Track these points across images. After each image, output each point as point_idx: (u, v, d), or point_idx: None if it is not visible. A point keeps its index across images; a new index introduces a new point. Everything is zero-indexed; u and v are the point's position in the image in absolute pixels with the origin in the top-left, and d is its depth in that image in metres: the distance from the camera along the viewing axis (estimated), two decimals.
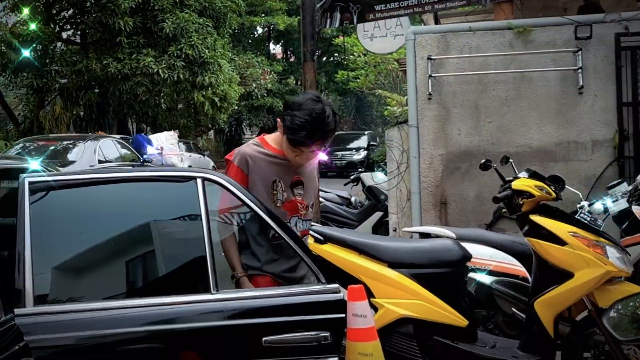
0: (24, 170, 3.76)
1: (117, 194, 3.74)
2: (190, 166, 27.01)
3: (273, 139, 4.13)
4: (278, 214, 3.85)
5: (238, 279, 3.93)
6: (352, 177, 11.24)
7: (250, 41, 42.04)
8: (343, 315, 3.51)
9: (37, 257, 3.25)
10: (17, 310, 3.11)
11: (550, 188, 4.94)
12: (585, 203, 5.58)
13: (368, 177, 10.59)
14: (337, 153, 28.99)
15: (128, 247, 3.69)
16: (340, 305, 3.53)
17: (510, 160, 5.55)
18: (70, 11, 27.53)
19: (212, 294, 3.36)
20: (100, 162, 15.53)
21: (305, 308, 3.48)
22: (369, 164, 11.42)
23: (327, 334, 3.42)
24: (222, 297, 3.39)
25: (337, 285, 3.60)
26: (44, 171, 3.94)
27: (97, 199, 3.69)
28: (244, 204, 3.60)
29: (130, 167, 4.39)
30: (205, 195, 3.49)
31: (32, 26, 25.15)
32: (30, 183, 3.41)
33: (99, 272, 3.67)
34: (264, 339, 3.33)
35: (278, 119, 4.07)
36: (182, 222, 3.74)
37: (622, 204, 5.70)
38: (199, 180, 3.52)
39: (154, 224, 3.63)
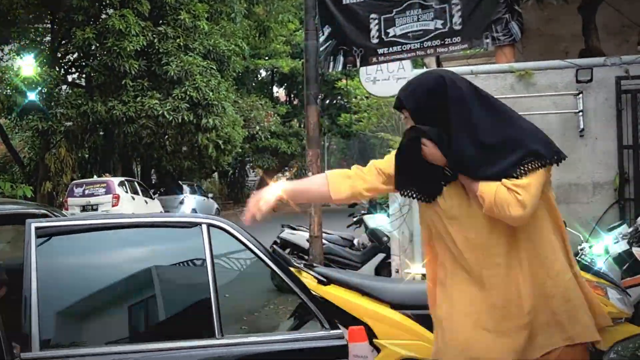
0: (30, 215, 3.68)
1: (122, 239, 3.71)
2: (194, 210, 26.93)
3: None
4: None
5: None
6: (354, 219, 11.15)
7: (254, 84, 41.54)
8: None
9: (43, 302, 3.20)
10: (23, 355, 3.07)
11: None
12: (586, 245, 5.60)
13: (371, 219, 10.51)
14: None
15: (132, 292, 3.67)
16: (344, 350, 3.49)
17: None
18: (76, 54, 27.87)
19: (217, 339, 3.32)
20: None
21: (309, 353, 3.46)
22: (372, 205, 11.34)
23: None
24: (227, 342, 3.34)
25: (340, 330, 3.57)
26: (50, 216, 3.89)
27: (102, 244, 3.68)
28: (248, 248, 3.58)
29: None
30: (210, 241, 3.46)
31: (37, 69, 25.38)
32: (37, 228, 3.35)
33: (101, 317, 3.64)
34: None
35: None
36: (187, 267, 3.71)
37: (623, 246, 5.64)
38: (204, 227, 3.50)
39: (155, 269, 3.61)
